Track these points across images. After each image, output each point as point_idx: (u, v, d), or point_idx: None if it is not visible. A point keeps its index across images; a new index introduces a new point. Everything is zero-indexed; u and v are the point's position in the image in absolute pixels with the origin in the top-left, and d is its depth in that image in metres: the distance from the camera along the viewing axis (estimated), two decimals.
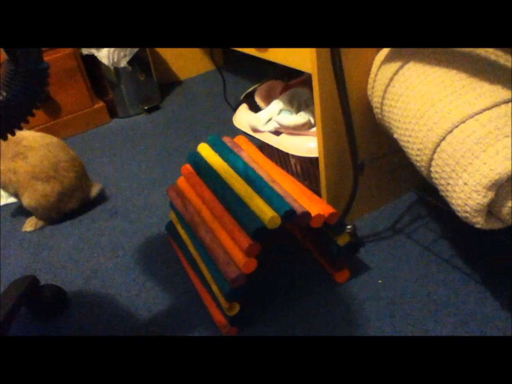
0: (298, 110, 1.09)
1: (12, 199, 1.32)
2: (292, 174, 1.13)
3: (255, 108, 1.18)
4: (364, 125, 0.92)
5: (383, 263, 0.90)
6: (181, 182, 0.95)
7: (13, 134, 0.57)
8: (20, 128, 0.59)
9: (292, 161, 1.10)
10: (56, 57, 1.54)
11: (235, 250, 0.75)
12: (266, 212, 0.73)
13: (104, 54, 1.57)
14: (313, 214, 0.75)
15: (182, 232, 0.93)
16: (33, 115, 0.58)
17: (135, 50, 1.64)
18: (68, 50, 1.54)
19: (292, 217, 0.73)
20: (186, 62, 1.97)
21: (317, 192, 1.00)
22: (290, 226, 1.02)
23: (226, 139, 0.97)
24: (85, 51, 1.57)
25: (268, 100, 1.17)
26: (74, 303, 0.94)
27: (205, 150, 0.95)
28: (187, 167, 0.96)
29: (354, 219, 1.01)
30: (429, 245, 0.92)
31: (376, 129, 0.92)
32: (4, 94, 0.54)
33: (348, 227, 0.83)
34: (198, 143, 1.00)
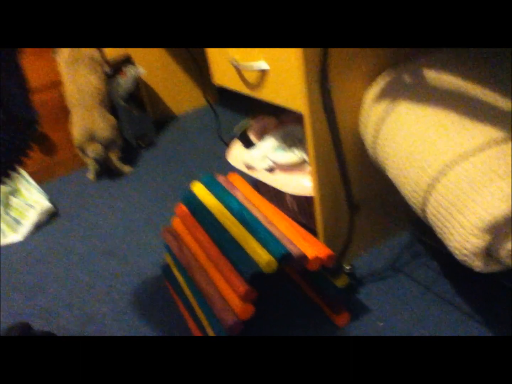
0: (292, 147, 1.09)
1: (10, 239, 1.31)
2: (288, 211, 1.12)
3: (249, 144, 1.18)
4: (358, 163, 0.92)
5: (384, 304, 0.88)
6: (176, 223, 0.94)
7: (6, 177, 0.57)
8: (8, 175, 0.58)
9: (288, 198, 1.10)
10: (52, 95, 1.55)
11: (232, 296, 0.73)
12: (262, 256, 0.72)
13: None
14: (310, 257, 0.74)
15: (178, 275, 0.92)
16: (21, 162, 0.57)
17: (130, 86, 1.65)
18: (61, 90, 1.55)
19: (288, 261, 0.72)
20: (181, 97, 1.99)
21: (313, 230, 0.99)
22: (287, 268, 1.01)
23: (221, 178, 0.97)
24: None
25: (262, 136, 1.17)
26: None
27: (199, 189, 0.95)
28: (182, 207, 0.95)
29: (352, 259, 0.99)
30: (429, 284, 0.90)
31: (371, 167, 0.91)
32: None
33: (347, 268, 0.82)
34: (193, 180, 0.99)
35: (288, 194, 1.06)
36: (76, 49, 1.50)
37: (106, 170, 1.58)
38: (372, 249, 1.02)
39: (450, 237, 0.62)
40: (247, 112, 1.81)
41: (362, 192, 0.93)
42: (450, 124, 0.68)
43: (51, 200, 1.42)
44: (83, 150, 1.49)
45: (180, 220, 0.94)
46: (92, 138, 1.47)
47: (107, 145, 1.50)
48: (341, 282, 0.80)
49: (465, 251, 0.59)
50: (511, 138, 0.62)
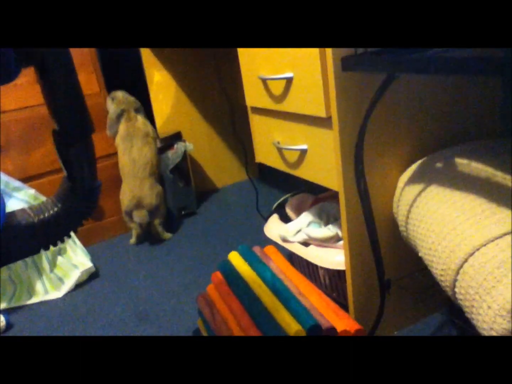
0: (326, 223, 1.13)
1: (51, 296, 1.37)
2: (321, 285, 1.13)
3: (286, 219, 1.23)
4: (391, 241, 0.94)
5: None
6: (211, 289, 0.98)
7: (62, 242, 0.63)
8: (63, 241, 0.64)
9: (321, 272, 1.12)
10: (104, 166, 1.68)
11: None
12: (291, 326, 0.74)
13: None
14: (338, 330, 0.75)
15: None
16: (81, 225, 0.64)
17: (178, 160, 1.77)
18: (113, 160, 1.68)
19: (317, 332, 0.74)
20: (224, 171, 2.10)
21: (345, 306, 1.00)
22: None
23: (256, 249, 1.01)
24: None
25: (299, 212, 1.22)
26: None
27: (235, 259, 0.99)
28: (218, 275, 0.99)
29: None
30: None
31: (404, 247, 0.94)
32: (60, 206, 0.60)
33: None
34: (230, 251, 1.04)
35: (321, 268, 1.08)
36: (131, 126, 1.65)
37: (147, 236, 1.66)
38: (404, 328, 1.01)
39: (479, 318, 0.62)
40: (286, 189, 1.88)
41: (394, 271, 0.95)
42: (479, 210, 0.71)
43: (93, 261, 1.50)
44: (129, 215, 1.58)
45: (215, 287, 0.97)
46: (139, 205, 1.57)
47: (152, 212, 1.59)
48: None
49: (492, 332, 0.60)
50: None
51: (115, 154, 1.68)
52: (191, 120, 1.97)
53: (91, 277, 1.46)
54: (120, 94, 1.68)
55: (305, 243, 1.11)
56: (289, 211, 1.25)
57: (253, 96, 1.08)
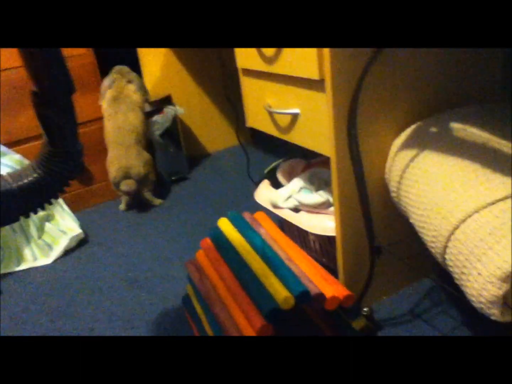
0: (318, 189, 1.11)
1: (40, 263, 1.36)
2: (311, 251, 1.13)
3: (277, 185, 1.22)
4: (382, 208, 0.93)
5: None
6: (200, 256, 0.97)
7: (43, 209, 0.61)
8: (51, 203, 0.63)
9: (311, 238, 1.11)
10: (91, 129, 1.64)
11: (248, 330, 0.74)
12: (280, 292, 0.73)
13: None
14: (327, 296, 0.75)
15: (197, 307, 0.94)
16: (63, 191, 0.62)
17: (168, 124, 1.73)
18: (102, 124, 1.65)
19: (306, 298, 0.73)
20: (215, 136, 2.06)
21: (334, 271, 1.00)
22: (306, 307, 1.01)
23: (246, 215, 1.00)
24: None
25: (290, 177, 1.21)
26: None
27: (225, 225, 0.98)
28: (207, 241, 0.98)
29: (371, 302, 0.99)
30: (447, 332, 0.89)
31: (395, 212, 0.93)
32: (40, 172, 0.58)
33: (365, 310, 0.82)
34: (221, 216, 1.03)
35: (311, 234, 1.08)
36: (118, 89, 1.60)
37: (137, 202, 1.64)
38: (393, 293, 1.01)
39: (468, 284, 0.62)
40: (278, 154, 1.85)
41: (385, 237, 0.94)
42: (473, 175, 0.69)
43: (82, 227, 1.48)
44: (117, 185, 1.56)
45: (204, 253, 0.96)
46: (126, 175, 1.54)
47: (141, 181, 1.56)
48: (358, 324, 0.80)
49: (481, 299, 0.60)
50: None
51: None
52: (182, 84, 1.92)
53: (80, 243, 1.45)
54: (118, 67, 1.65)
55: (296, 209, 1.10)
56: (280, 177, 1.24)
57: (244, 57, 1.04)
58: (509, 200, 0.63)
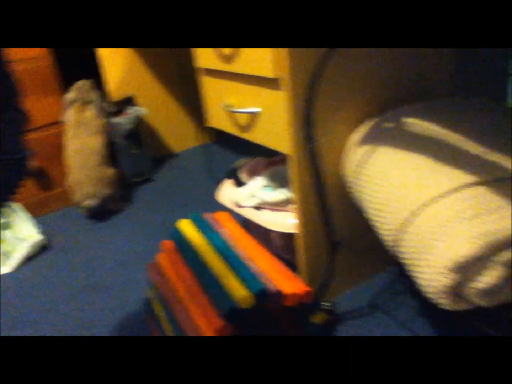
0: (280, 186, 1.12)
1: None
2: (275, 247, 1.13)
3: (240, 184, 1.21)
4: (341, 204, 0.94)
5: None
6: (161, 258, 0.96)
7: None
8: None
9: (274, 235, 1.11)
10: (51, 133, 1.60)
11: (208, 331, 0.74)
12: (239, 292, 0.73)
13: None
14: (286, 293, 0.75)
15: (158, 309, 0.93)
16: (9, 198, 0.60)
17: (130, 125, 1.71)
18: (61, 127, 1.61)
19: (265, 296, 0.73)
20: (181, 135, 2.05)
21: (297, 266, 1.00)
22: (267, 305, 1.01)
23: (208, 216, 0.99)
24: None
25: (252, 176, 1.21)
26: None
27: (186, 226, 0.97)
28: (169, 243, 0.97)
29: (335, 296, 1.00)
30: (406, 322, 0.91)
31: (353, 208, 0.94)
32: None
33: (325, 304, 0.83)
34: (185, 218, 1.02)
35: (274, 231, 1.08)
36: (77, 113, 1.56)
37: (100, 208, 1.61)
38: (355, 287, 1.03)
39: (420, 276, 0.63)
40: (244, 152, 1.85)
41: (343, 231, 0.95)
42: (425, 169, 0.71)
43: (44, 233, 1.44)
44: (80, 204, 1.53)
45: (165, 256, 0.95)
46: (89, 196, 1.51)
47: (104, 199, 1.53)
48: (318, 318, 0.81)
49: (433, 289, 0.61)
50: (479, 182, 0.64)
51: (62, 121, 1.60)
52: (145, 84, 1.90)
53: (41, 250, 1.41)
54: (80, 83, 1.60)
55: (258, 207, 1.10)
56: (243, 176, 1.23)
57: (202, 56, 1.03)
58: (457, 193, 0.65)
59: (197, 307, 0.78)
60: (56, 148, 1.61)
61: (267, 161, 1.26)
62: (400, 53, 0.91)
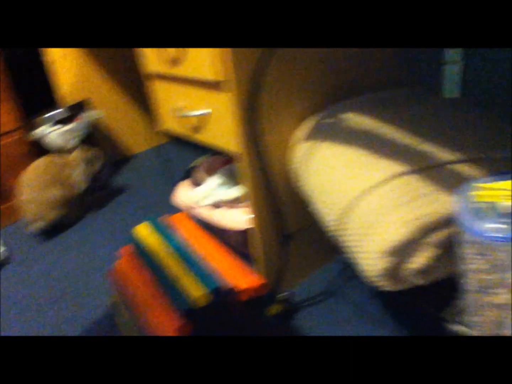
0: (236, 184, 1.14)
1: None
2: (234, 243, 1.16)
3: (197, 184, 1.24)
4: (289, 197, 0.97)
5: (316, 328, 0.93)
6: (121, 264, 0.97)
7: None
8: None
9: (230, 232, 1.14)
10: (7, 142, 1.57)
11: (170, 331, 0.76)
12: (194, 291, 0.76)
13: (52, 138, 1.62)
14: (241, 288, 0.78)
15: (123, 314, 0.94)
16: None
17: (85, 130, 1.69)
18: (18, 136, 1.58)
19: (221, 293, 0.76)
20: (138, 136, 2.04)
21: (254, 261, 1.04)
22: (225, 300, 1.04)
23: (164, 219, 1.01)
24: (34, 135, 1.62)
25: (210, 174, 1.23)
26: None
27: (143, 230, 0.99)
28: (128, 249, 0.99)
29: (291, 287, 1.04)
30: (360, 305, 0.96)
31: (302, 200, 0.98)
32: None
33: (282, 295, 0.86)
34: (144, 221, 1.03)
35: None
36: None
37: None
38: (309, 276, 1.07)
39: (360, 261, 0.68)
40: (202, 150, 1.87)
41: (294, 224, 0.99)
42: (360, 161, 0.75)
43: (4, 245, 1.43)
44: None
45: (125, 261, 0.97)
46: (38, 219, 1.48)
47: (54, 221, 1.52)
48: (273, 310, 0.85)
49: (372, 273, 0.65)
50: (411, 171, 0.69)
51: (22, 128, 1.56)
52: (99, 86, 1.88)
53: (3, 263, 1.39)
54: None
55: (216, 206, 1.12)
56: (200, 175, 1.26)
57: (148, 60, 1.05)
58: (391, 181, 0.69)
59: (157, 310, 0.80)
60: (14, 158, 1.58)
61: (224, 158, 1.28)
62: (340, 50, 0.94)
